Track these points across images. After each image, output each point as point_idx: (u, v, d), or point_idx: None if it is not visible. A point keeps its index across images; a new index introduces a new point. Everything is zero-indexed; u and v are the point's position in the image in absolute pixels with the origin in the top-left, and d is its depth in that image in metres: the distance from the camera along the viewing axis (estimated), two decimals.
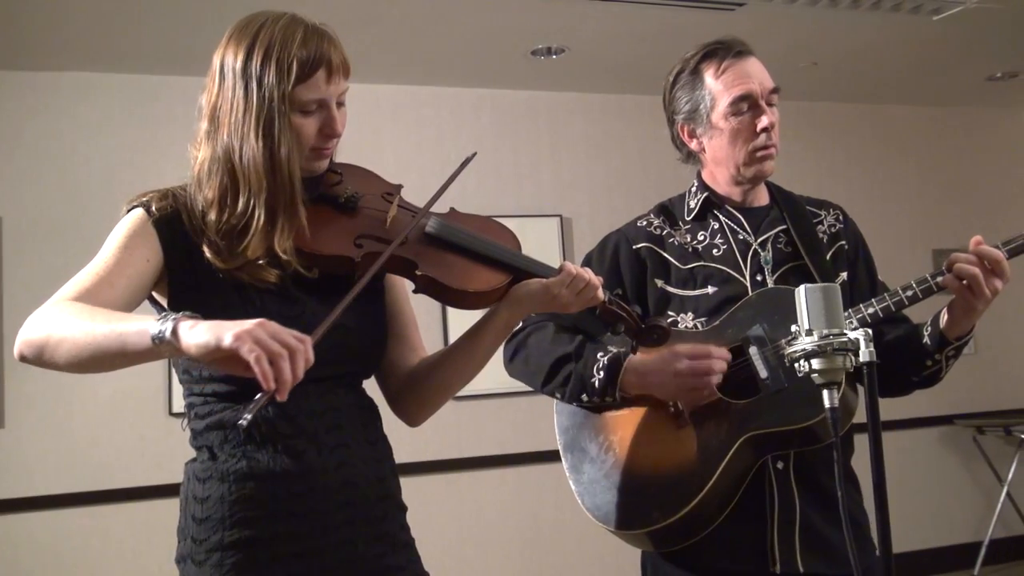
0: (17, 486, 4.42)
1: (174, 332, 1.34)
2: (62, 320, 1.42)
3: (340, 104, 1.63)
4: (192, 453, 1.65)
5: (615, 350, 1.98)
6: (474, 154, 1.81)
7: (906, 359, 1.98)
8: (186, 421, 1.65)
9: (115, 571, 4.46)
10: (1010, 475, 5.82)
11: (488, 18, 4.46)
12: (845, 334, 1.46)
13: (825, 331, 1.47)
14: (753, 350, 1.93)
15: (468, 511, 5.09)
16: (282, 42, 1.55)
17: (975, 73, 5.79)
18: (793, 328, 1.53)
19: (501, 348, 2.08)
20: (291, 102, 1.56)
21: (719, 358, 1.89)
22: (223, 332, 1.31)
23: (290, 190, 1.57)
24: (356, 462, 1.62)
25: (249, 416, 1.33)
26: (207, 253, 1.56)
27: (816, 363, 1.47)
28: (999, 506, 5.80)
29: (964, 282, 1.83)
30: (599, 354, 1.98)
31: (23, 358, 1.47)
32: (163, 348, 1.37)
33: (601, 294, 1.72)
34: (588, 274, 1.70)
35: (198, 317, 1.37)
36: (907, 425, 5.80)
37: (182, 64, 4.53)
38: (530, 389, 2.14)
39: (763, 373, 1.91)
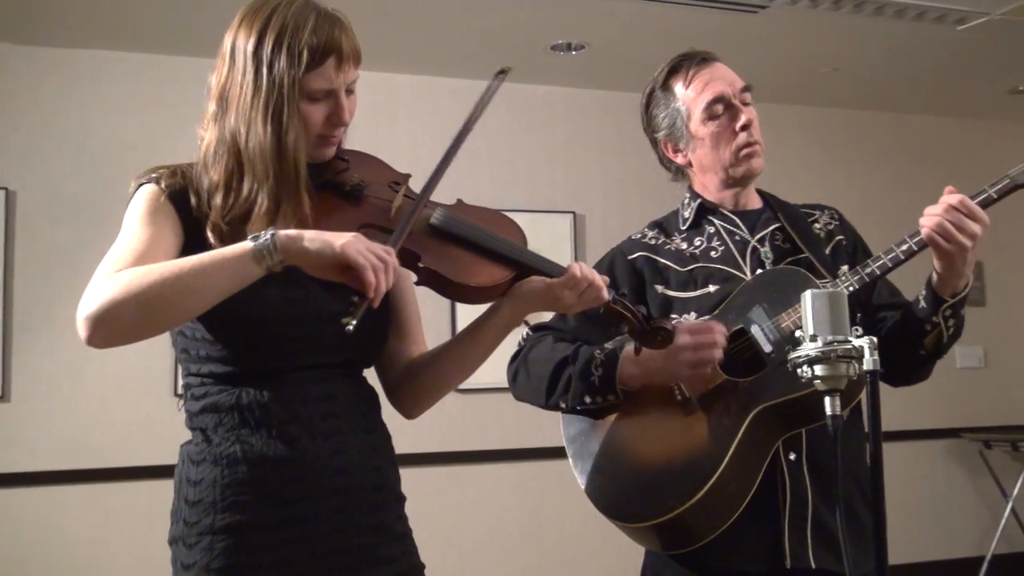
0: (21, 461, 4.43)
1: (284, 241, 1.40)
2: (142, 277, 1.40)
3: (349, 92, 1.62)
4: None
5: (611, 347, 1.96)
6: (509, 68, 1.78)
7: (909, 332, 1.96)
8: (182, 402, 1.65)
9: (116, 549, 4.47)
10: (1015, 491, 5.77)
11: (509, 12, 4.44)
12: (850, 341, 1.45)
13: (829, 337, 1.46)
14: (755, 328, 1.93)
15: (468, 504, 5.08)
16: (294, 28, 1.54)
17: (998, 85, 5.74)
18: (802, 328, 1.51)
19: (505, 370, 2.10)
20: (300, 89, 1.54)
21: (719, 332, 1.87)
22: (331, 239, 1.41)
23: (295, 178, 1.55)
24: (351, 450, 1.61)
25: (356, 321, 1.39)
26: (210, 237, 1.54)
27: (819, 369, 1.46)
28: (1003, 521, 5.76)
29: (934, 232, 1.83)
30: (596, 351, 1.97)
31: (94, 334, 1.40)
32: (269, 261, 1.41)
33: (606, 295, 1.69)
34: (593, 275, 1.67)
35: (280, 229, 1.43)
36: (913, 436, 5.77)
37: (199, 45, 4.49)
38: None
39: (767, 347, 1.91)
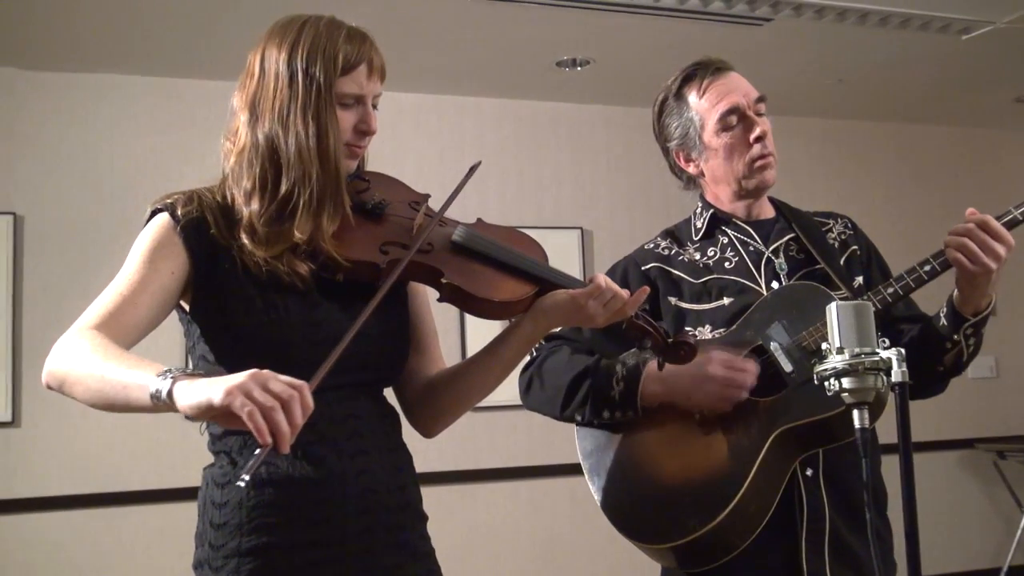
0: (31, 486, 4.42)
1: (169, 393, 1.33)
2: (81, 360, 1.43)
3: (374, 106, 1.66)
4: (209, 458, 1.63)
5: (633, 361, 1.95)
6: (479, 163, 1.80)
7: (928, 348, 1.95)
8: (204, 426, 1.64)
9: (127, 574, 4.45)
10: None
11: (513, 29, 4.45)
12: (877, 353, 1.44)
13: (856, 349, 1.44)
14: (775, 346, 1.92)
15: (481, 522, 5.06)
16: (328, 36, 1.60)
17: (1003, 94, 5.74)
18: (817, 338, 1.50)
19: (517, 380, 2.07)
20: (334, 93, 1.59)
21: (751, 372, 1.87)
22: (214, 390, 1.28)
23: (336, 176, 1.59)
24: (376, 470, 1.60)
25: (247, 476, 1.27)
26: (245, 242, 1.56)
27: (847, 382, 1.45)
28: (1019, 532, 5.72)
29: (959, 253, 1.83)
30: (617, 366, 1.95)
31: (48, 387, 1.48)
32: (161, 406, 1.35)
33: (629, 307, 1.69)
34: (618, 288, 1.67)
35: (198, 374, 1.35)
36: (927, 447, 5.73)
37: (205, 67, 4.54)
38: None
39: (788, 367, 1.90)
